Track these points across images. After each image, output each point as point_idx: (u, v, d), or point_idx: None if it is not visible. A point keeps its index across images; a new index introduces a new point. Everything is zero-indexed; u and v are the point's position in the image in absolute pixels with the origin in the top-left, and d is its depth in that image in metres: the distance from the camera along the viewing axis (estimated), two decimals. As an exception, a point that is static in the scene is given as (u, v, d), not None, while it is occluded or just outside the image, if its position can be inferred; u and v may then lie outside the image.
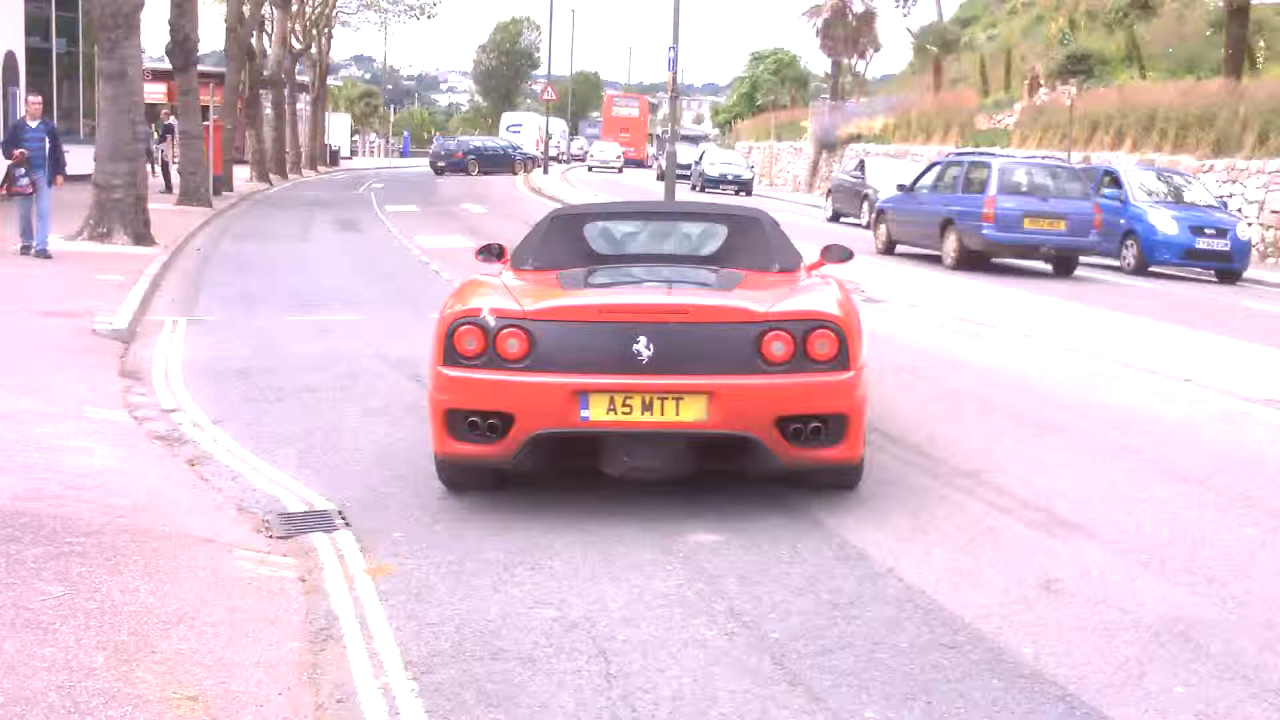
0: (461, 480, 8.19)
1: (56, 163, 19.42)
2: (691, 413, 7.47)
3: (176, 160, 36.04)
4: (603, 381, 7.45)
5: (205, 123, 36.16)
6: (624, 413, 7.46)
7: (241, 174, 45.56)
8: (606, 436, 7.62)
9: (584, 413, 7.47)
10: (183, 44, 33.00)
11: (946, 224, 24.27)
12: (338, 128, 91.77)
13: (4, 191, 18.78)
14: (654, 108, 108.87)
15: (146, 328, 14.31)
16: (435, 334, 7.94)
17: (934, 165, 28.08)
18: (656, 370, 7.45)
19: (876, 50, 70.53)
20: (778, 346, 7.57)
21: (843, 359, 7.68)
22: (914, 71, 67.47)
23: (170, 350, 12.97)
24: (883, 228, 27.24)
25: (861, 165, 39.33)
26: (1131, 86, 37.98)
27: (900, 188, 28.50)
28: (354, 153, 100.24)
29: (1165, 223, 25.21)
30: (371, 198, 43.01)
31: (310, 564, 6.80)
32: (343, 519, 7.51)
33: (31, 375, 10.82)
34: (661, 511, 7.76)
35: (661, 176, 45.65)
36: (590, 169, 75.92)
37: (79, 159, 20.29)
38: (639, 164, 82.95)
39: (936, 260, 24.75)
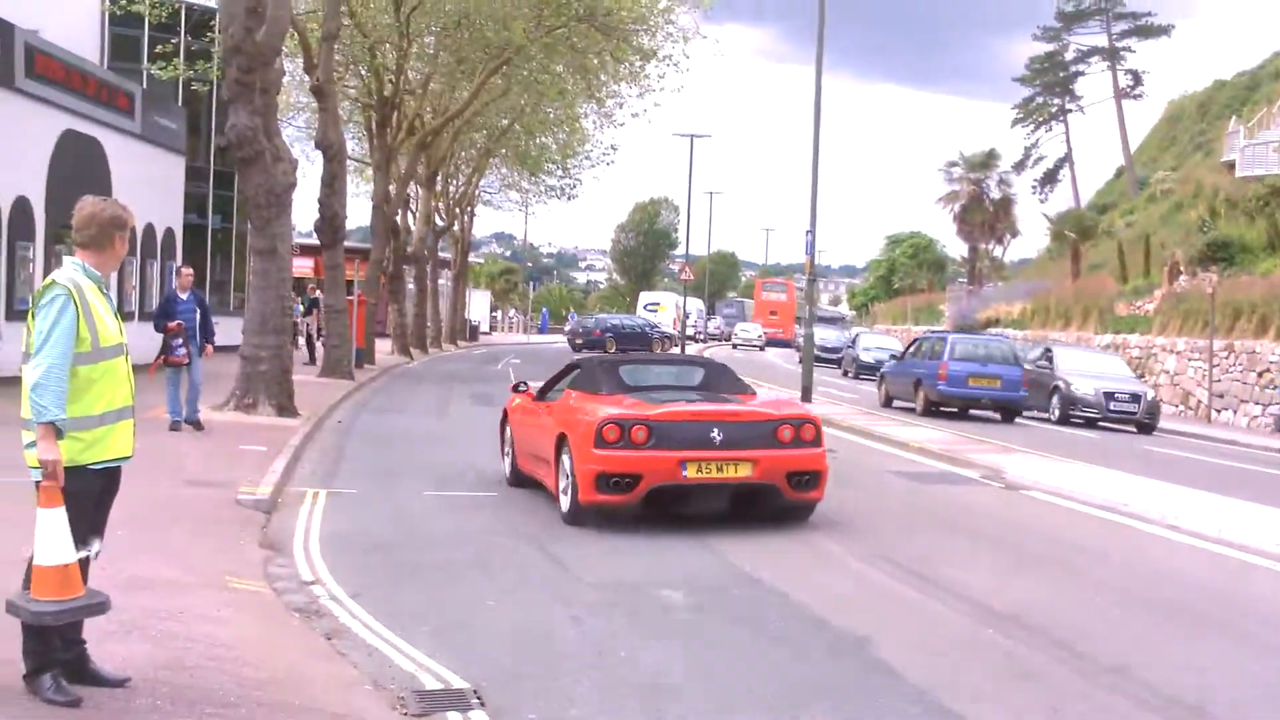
0: (589, 519, 13.08)
1: (206, 332, 19.82)
2: (743, 471, 12.93)
3: (322, 335, 36.81)
4: (695, 454, 12.79)
5: (350, 297, 36.94)
6: (706, 472, 12.83)
7: (383, 347, 46.38)
8: (694, 488, 12.94)
9: (685, 473, 12.77)
10: (331, 221, 33.95)
11: (917, 383, 32.13)
12: (478, 303, 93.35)
13: (160, 361, 19.08)
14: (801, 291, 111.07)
15: (288, 499, 14.50)
16: (581, 430, 13.05)
17: (915, 340, 36.63)
18: (725, 447, 12.89)
19: (1014, 236, 70.53)
20: (786, 433, 13.22)
21: (818, 440, 13.49)
22: (1052, 257, 67.27)
23: (310, 522, 13.11)
24: (883, 387, 35.08)
25: (1049, 354, 34.76)
26: (1274, 274, 37.47)
27: (893, 357, 38.40)
28: (493, 328, 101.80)
29: None
30: (509, 373, 43.45)
31: (445, 744, 6.75)
32: (478, 698, 7.48)
33: (176, 544, 11.00)
34: (782, 704, 7.66)
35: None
36: (735, 346, 79.24)
37: (228, 330, 20.80)
38: (785, 344, 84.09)
39: (913, 410, 31.79)
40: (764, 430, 13.18)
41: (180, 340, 18.99)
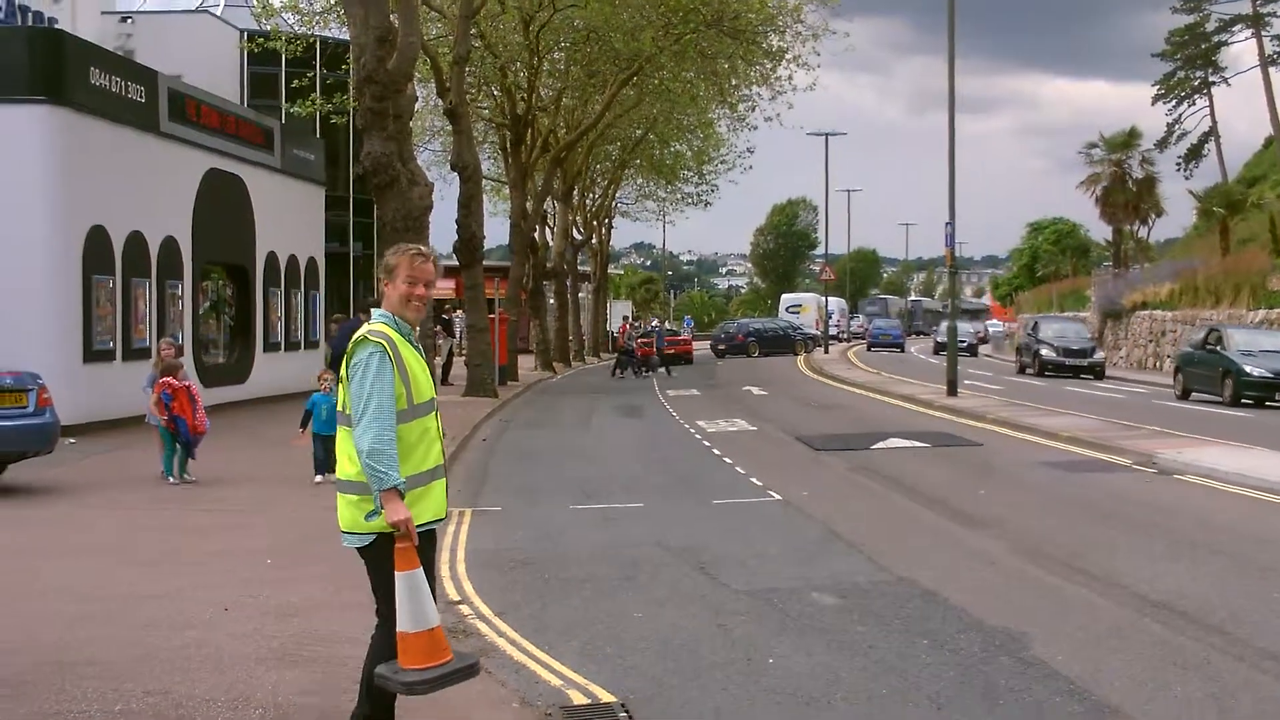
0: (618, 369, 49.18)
1: None
2: (673, 352, 54.65)
3: (463, 352, 37.05)
4: (664, 348, 52.22)
5: (491, 315, 37.24)
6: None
7: (526, 363, 46.73)
8: (665, 356, 51.11)
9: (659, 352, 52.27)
10: (469, 241, 34.32)
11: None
12: (619, 314, 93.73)
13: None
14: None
15: (435, 519, 14.54)
16: (635, 343, 49.27)
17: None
18: (666, 347, 52.68)
19: (1159, 215, 68.79)
20: (682, 345, 60.15)
21: (690, 346, 62.97)
22: (1199, 234, 65.80)
23: (456, 541, 13.16)
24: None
25: None
26: None
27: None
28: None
29: None
30: (654, 383, 43.56)
31: (593, 759, 6.72)
32: (625, 712, 7.43)
33: (324, 568, 11.07)
34: (937, 708, 7.55)
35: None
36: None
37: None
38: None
39: None
40: (677, 342, 58.39)
41: None
